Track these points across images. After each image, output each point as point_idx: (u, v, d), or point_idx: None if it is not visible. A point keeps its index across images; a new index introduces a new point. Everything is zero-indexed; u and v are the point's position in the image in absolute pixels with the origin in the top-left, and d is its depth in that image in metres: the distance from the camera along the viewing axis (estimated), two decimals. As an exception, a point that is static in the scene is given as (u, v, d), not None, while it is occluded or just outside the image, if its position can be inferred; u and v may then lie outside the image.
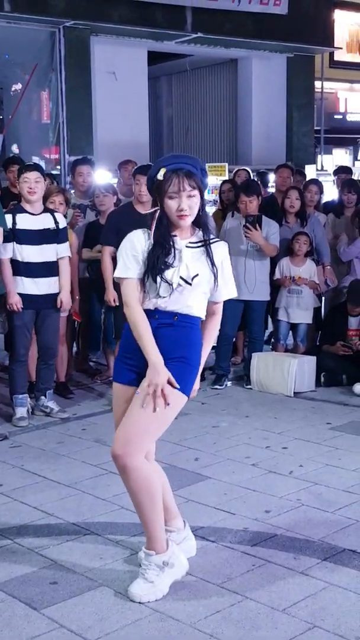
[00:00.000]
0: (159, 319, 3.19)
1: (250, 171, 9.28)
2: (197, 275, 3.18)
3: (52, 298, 5.69)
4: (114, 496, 4.22)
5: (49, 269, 5.65)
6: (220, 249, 3.28)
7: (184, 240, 3.22)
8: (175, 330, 3.20)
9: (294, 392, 6.31)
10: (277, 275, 6.83)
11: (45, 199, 6.05)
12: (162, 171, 3.12)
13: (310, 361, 6.51)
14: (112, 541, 3.68)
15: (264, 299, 6.66)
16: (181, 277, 3.16)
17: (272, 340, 7.34)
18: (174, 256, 3.17)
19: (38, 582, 3.30)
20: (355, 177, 9.90)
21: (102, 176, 9.71)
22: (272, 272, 6.76)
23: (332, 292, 7.32)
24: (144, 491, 3.16)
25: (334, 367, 6.57)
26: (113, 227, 5.78)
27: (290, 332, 7.05)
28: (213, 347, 7.11)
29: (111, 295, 5.89)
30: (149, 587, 3.17)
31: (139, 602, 3.12)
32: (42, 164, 13.63)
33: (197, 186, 3.13)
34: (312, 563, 3.42)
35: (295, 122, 15.87)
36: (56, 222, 5.68)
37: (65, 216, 6.01)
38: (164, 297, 3.17)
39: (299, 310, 6.86)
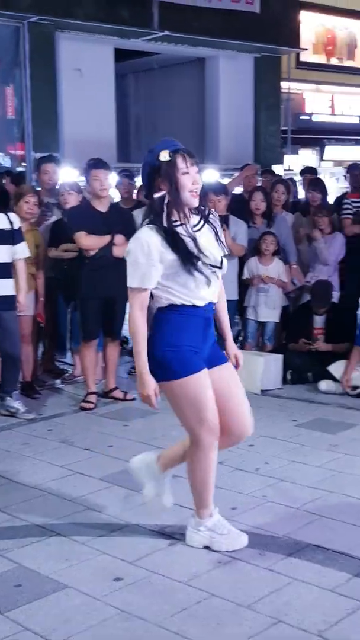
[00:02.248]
0: (210, 311, 3.40)
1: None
2: (222, 257, 3.33)
3: (6, 300, 5.65)
4: (80, 497, 4.22)
5: (3, 270, 5.62)
6: (216, 218, 3.43)
7: (187, 226, 3.29)
8: (211, 317, 3.45)
9: (261, 390, 6.35)
10: (246, 275, 6.87)
11: (17, 199, 6.04)
12: (165, 152, 3.21)
13: (277, 359, 6.55)
14: (78, 542, 3.68)
15: (232, 298, 6.67)
16: (210, 265, 3.26)
17: (241, 338, 7.38)
18: (191, 246, 3.24)
19: (2, 585, 3.28)
20: (321, 176, 9.98)
21: (68, 174, 9.68)
22: (240, 272, 6.79)
23: (298, 291, 7.38)
24: None
25: (300, 365, 6.62)
26: (77, 218, 5.88)
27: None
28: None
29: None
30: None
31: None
32: (7, 160, 13.58)
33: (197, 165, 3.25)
34: (277, 559, 3.44)
35: (262, 122, 15.94)
36: (11, 223, 5.65)
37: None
38: (205, 289, 3.29)
39: (267, 308, 6.91)
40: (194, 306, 3.29)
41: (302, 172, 9.33)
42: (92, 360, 6.08)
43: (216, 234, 3.36)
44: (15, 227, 5.67)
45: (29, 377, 6.33)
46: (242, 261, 6.82)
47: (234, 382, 3.49)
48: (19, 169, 12.11)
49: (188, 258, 3.21)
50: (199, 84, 16.38)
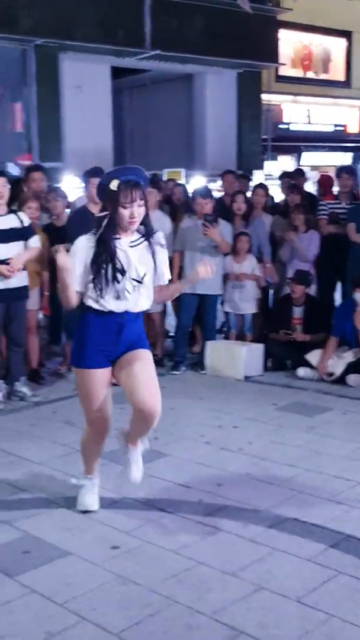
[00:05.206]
0: (127, 318, 3.36)
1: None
2: (145, 274, 3.32)
3: (19, 291, 5.59)
4: (81, 473, 4.19)
5: None
6: (158, 239, 3.40)
7: (126, 239, 3.32)
8: (137, 323, 3.44)
9: (244, 376, 6.33)
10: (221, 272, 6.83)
11: (21, 204, 5.98)
12: (115, 182, 3.22)
13: (259, 348, 6.54)
14: (79, 513, 3.66)
15: (217, 292, 6.67)
16: (133, 279, 3.30)
17: (225, 329, 7.36)
18: (121, 259, 3.28)
19: (12, 551, 3.27)
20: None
21: (70, 181, 9.63)
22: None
23: (278, 285, 7.35)
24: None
25: (279, 353, 6.61)
26: (76, 226, 5.82)
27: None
28: (171, 337, 7.17)
29: None
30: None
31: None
32: (16, 169, 13.52)
33: (144, 196, 3.26)
34: (260, 530, 3.43)
35: (245, 132, 15.92)
36: (21, 221, 5.60)
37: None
38: (126, 299, 3.30)
39: (242, 302, 6.88)
40: (109, 312, 3.32)
41: (281, 177, 9.26)
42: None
43: (153, 254, 3.36)
44: (25, 224, 5.62)
45: (35, 364, 6.30)
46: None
47: (138, 364, 3.37)
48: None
49: (109, 268, 3.25)
50: (187, 98, 16.35)
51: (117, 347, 3.39)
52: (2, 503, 3.80)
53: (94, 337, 3.38)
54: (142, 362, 3.38)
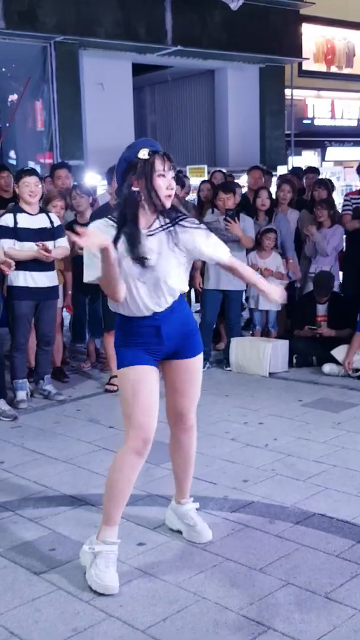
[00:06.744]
0: (159, 320, 3.03)
1: (224, 172, 9.32)
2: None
3: (49, 290, 5.65)
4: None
5: (46, 263, 5.58)
6: (189, 223, 2.91)
7: (144, 229, 2.88)
8: (167, 324, 3.08)
9: (269, 373, 6.32)
10: (246, 267, 6.82)
11: (46, 203, 6.02)
12: (145, 151, 2.81)
13: (283, 344, 6.52)
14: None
15: (241, 288, 6.66)
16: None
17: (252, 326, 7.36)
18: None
19: (38, 549, 3.30)
20: (322, 176, 9.88)
21: (92, 179, 9.69)
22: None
23: (302, 281, 7.33)
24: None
25: (304, 350, 6.59)
26: None
27: (264, 318, 7.06)
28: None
29: None
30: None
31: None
32: (38, 168, 13.61)
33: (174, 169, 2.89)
34: (286, 526, 3.43)
35: (268, 127, 15.90)
36: (51, 222, 5.64)
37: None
38: (148, 295, 2.96)
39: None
40: (141, 317, 2.95)
41: (305, 172, 9.23)
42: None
43: (175, 243, 2.89)
44: (56, 224, 5.66)
45: (59, 362, 6.35)
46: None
47: (184, 378, 3.17)
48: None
49: (131, 253, 2.83)
50: (209, 94, 16.36)
51: (163, 344, 3.07)
52: (28, 501, 3.84)
53: (133, 339, 3.06)
54: (191, 375, 3.29)
